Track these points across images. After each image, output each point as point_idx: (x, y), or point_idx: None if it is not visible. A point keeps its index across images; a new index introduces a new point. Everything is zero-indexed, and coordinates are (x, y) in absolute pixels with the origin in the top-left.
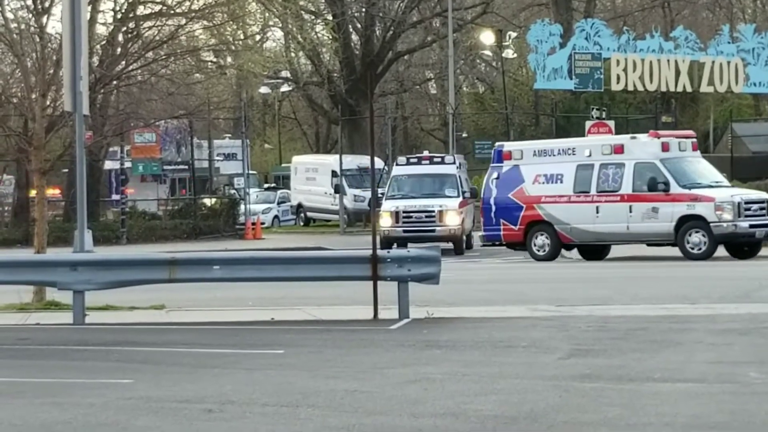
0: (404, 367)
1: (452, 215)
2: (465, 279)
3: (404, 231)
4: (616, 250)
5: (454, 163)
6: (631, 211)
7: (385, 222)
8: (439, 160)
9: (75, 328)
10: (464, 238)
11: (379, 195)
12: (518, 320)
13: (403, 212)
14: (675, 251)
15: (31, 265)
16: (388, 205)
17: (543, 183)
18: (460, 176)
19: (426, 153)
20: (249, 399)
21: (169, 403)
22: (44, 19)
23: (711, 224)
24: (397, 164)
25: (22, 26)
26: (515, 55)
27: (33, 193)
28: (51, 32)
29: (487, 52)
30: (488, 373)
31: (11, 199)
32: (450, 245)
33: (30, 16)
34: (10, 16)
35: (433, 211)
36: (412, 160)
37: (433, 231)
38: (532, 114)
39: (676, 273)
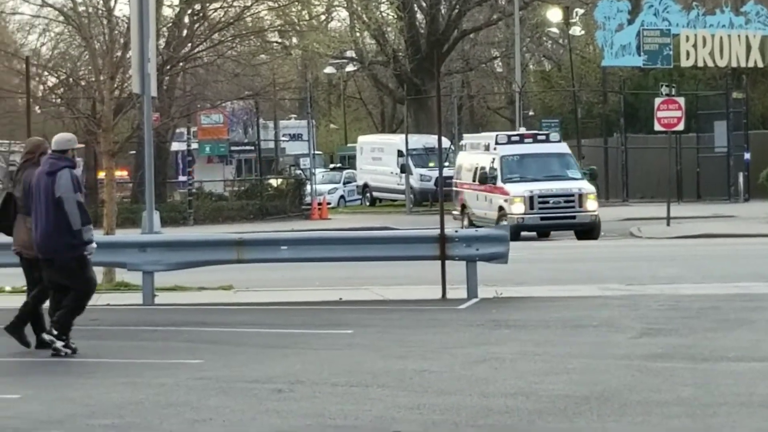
0: (473, 346)
1: (592, 200)
2: (533, 258)
3: (542, 218)
4: (683, 228)
5: (561, 141)
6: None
7: (517, 208)
8: (544, 137)
9: (144, 309)
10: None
11: (446, 175)
12: (588, 299)
13: (539, 197)
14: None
15: (101, 246)
16: (516, 189)
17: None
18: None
19: (523, 130)
20: (318, 379)
21: (239, 383)
22: (112, 2)
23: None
24: (498, 143)
25: (90, 9)
26: (582, 32)
27: (101, 174)
28: (119, 15)
29: (554, 30)
30: (559, 352)
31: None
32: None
33: None
34: None
35: (573, 196)
36: (513, 138)
37: (573, 218)
38: (599, 91)
39: (745, 251)
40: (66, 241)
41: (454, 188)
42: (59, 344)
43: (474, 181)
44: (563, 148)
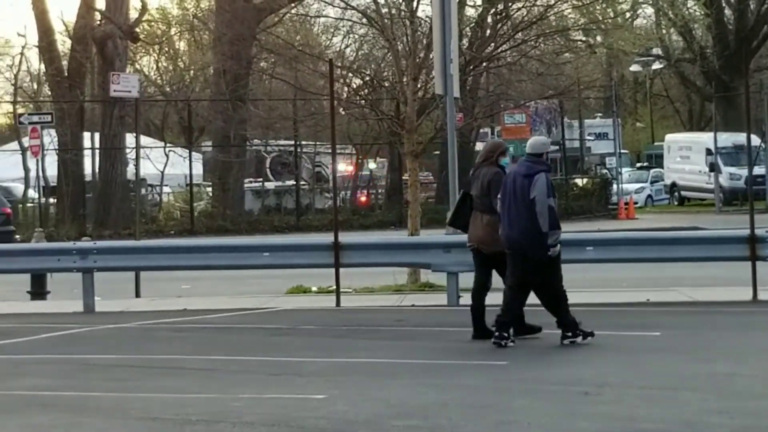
0: None
1: None
2: None
3: None
4: None
5: None
6: None
7: None
8: None
9: (449, 310)
10: None
11: (757, 173)
12: None
13: None
14: None
15: (406, 247)
16: None
17: None
18: None
19: None
20: (625, 381)
21: (545, 385)
22: (414, 4)
23: None
24: None
25: (393, 11)
26: None
27: (406, 175)
28: (421, 16)
29: None
30: None
31: (384, 182)
32: None
33: (401, 0)
34: (381, 1)
35: None
36: None
37: None
38: None
39: None
40: (539, 240)
41: None
42: (506, 341)
43: None
44: None
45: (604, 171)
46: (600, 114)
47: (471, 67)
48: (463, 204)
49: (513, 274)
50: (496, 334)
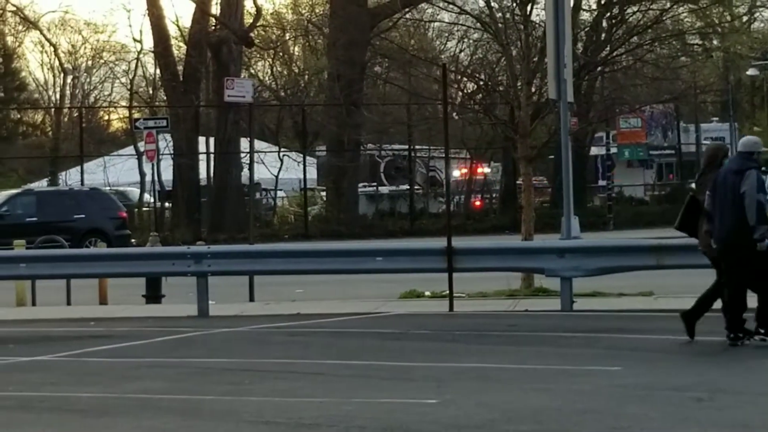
0: None
1: None
2: None
3: None
4: None
5: None
6: None
7: None
8: None
9: (562, 315)
10: None
11: None
12: None
13: None
14: None
15: (520, 251)
16: None
17: None
18: None
19: None
20: (740, 388)
21: (657, 391)
22: (528, 8)
23: None
24: None
25: (507, 15)
26: None
27: (520, 180)
28: (535, 20)
29: None
30: None
31: (498, 186)
32: None
33: (514, 5)
34: (495, 5)
35: None
36: None
37: None
38: None
39: None
40: (748, 234)
41: None
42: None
43: None
44: None
45: None
46: (716, 118)
47: (585, 72)
48: (690, 208)
49: (728, 272)
50: (731, 335)
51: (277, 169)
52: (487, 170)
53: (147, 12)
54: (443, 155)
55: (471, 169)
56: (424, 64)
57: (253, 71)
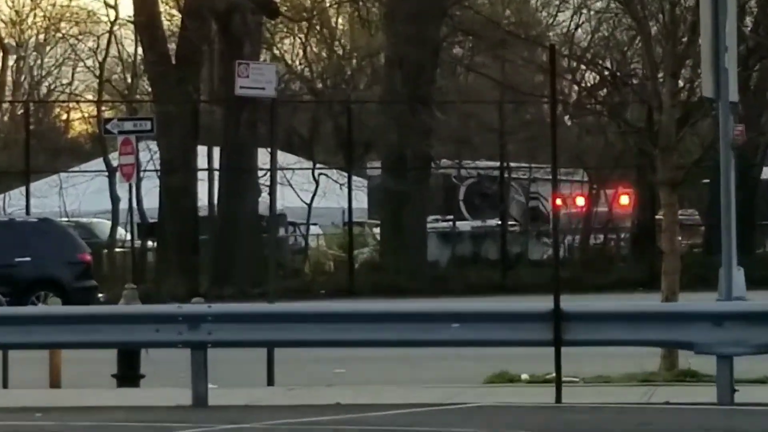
0: None
1: None
2: None
3: None
4: None
5: None
6: None
7: None
8: None
9: (719, 410)
10: None
11: None
12: None
13: None
14: None
15: (656, 317)
16: None
17: None
18: None
19: None
20: None
21: None
22: None
23: None
24: None
25: None
26: None
27: (660, 214)
28: None
29: None
30: None
31: (629, 223)
32: None
33: None
34: None
35: None
36: None
37: None
38: None
39: None
40: None
41: None
42: None
43: None
44: None
45: None
46: None
47: (756, 58)
48: None
49: None
50: None
51: (310, 194)
52: (621, 200)
53: None
54: (550, 177)
55: (589, 198)
56: (524, 45)
57: (278, 52)
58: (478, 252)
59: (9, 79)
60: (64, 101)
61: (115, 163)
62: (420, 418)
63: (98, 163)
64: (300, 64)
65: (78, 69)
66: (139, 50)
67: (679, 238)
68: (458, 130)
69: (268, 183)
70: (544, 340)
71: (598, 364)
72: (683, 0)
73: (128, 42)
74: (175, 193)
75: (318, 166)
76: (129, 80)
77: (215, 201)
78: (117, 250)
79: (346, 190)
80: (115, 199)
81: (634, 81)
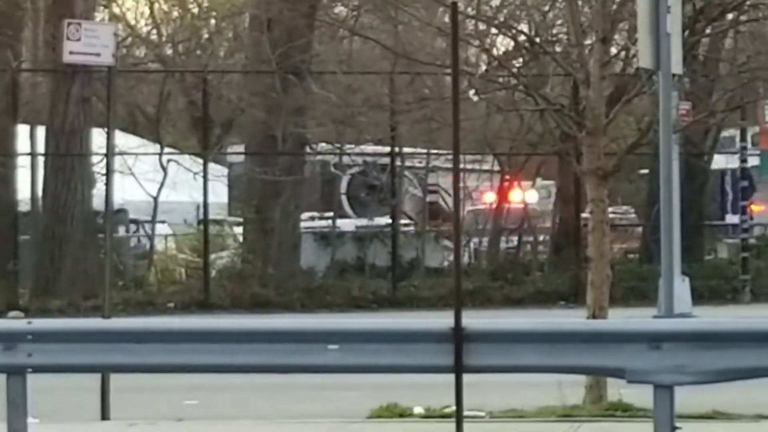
0: None
1: None
2: None
3: None
4: None
5: None
6: None
7: None
8: None
9: None
10: None
11: None
12: None
13: None
14: None
15: (580, 338)
16: None
17: None
18: None
19: None
20: None
21: None
22: None
23: None
24: None
25: None
26: None
27: (586, 211)
28: None
29: None
30: None
31: (550, 222)
32: None
33: None
34: None
35: None
36: None
37: None
38: None
39: None
40: None
41: None
42: None
43: None
44: None
45: None
46: None
47: (705, 23)
48: None
49: None
50: None
51: (157, 185)
52: (531, 195)
53: None
54: (451, 165)
55: (502, 191)
56: (422, 3)
57: (118, 10)
58: (363, 257)
59: None
60: None
61: None
62: None
63: None
64: (145, 24)
65: None
66: None
67: (609, 242)
68: (340, 108)
69: (104, 171)
70: (441, 366)
71: (509, 395)
72: None
73: None
74: None
75: (167, 150)
76: None
77: (39, 193)
78: None
79: (201, 180)
80: None
81: (556, 48)
